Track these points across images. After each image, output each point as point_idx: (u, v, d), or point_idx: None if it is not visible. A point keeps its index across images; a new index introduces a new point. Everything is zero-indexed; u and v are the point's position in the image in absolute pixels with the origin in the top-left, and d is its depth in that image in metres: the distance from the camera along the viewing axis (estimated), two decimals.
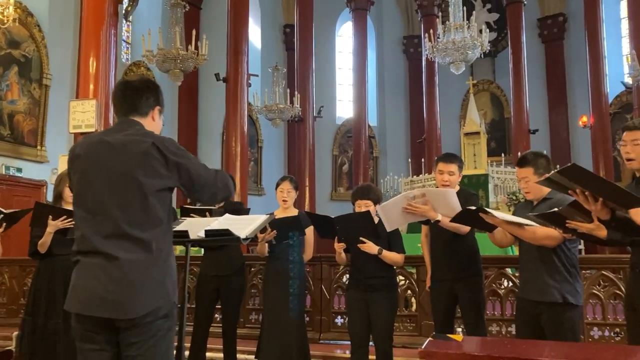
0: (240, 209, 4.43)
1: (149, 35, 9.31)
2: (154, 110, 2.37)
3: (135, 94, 2.33)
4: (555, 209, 2.65)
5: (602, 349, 2.56)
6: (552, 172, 2.30)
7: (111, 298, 2.06)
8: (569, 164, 2.29)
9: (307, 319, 5.43)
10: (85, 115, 6.91)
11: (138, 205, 2.13)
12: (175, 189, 2.29)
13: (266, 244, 4.21)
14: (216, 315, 4.93)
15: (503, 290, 5.10)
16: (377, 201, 3.88)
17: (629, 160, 2.71)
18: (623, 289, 4.75)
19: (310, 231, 4.33)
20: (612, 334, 4.82)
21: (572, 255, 3.11)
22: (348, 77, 17.21)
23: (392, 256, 3.78)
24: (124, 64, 12.58)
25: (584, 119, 14.28)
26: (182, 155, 2.22)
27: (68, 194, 4.18)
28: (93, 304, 2.09)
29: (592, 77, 13.80)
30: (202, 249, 4.68)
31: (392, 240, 3.82)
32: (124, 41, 13.14)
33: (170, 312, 2.18)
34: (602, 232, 2.48)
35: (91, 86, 7.02)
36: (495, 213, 3.01)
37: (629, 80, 11.92)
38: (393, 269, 3.94)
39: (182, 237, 2.80)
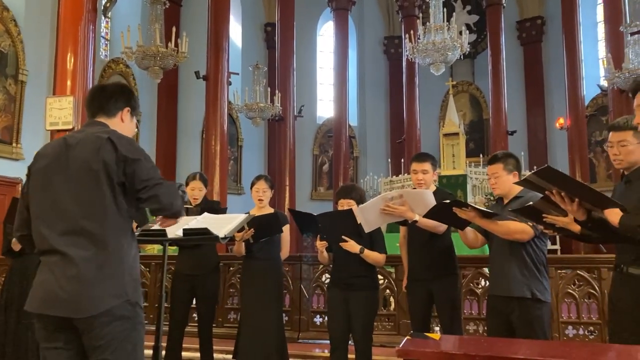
0: (217, 209, 4.41)
1: (128, 32, 9.21)
2: (123, 111, 2.37)
3: (103, 96, 2.36)
4: (531, 203, 2.71)
5: (577, 347, 2.60)
6: (529, 173, 2.34)
7: (64, 296, 2.04)
8: (544, 166, 2.34)
9: (286, 318, 5.43)
10: (62, 112, 6.80)
11: (94, 199, 2.11)
12: None
13: (243, 243, 4.20)
14: (194, 315, 4.90)
15: (480, 290, 5.15)
16: (360, 201, 3.90)
17: (616, 161, 2.74)
18: (597, 288, 4.83)
19: (287, 229, 4.33)
20: (586, 332, 4.90)
21: (541, 254, 3.22)
22: (329, 77, 17.22)
23: (374, 256, 3.79)
24: (102, 60, 12.43)
25: (561, 120, 14.49)
26: (134, 152, 2.18)
27: None
28: (49, 303, 2.07)
29: (569, 80, 13.99)
30: (177, 248, 4.65)
31: (374, 240, 3.84)
32: (103, 37, 12.97)
33: (131, 312, 2.13)
34: (576, 227, 2.54)
35: (68, 83, 6.91)
36: (471, 204, 3.11)
37: (604, 83, 12.11)
38: (375, 269, 3.96)
39: (160, 236, 2.78)
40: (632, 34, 10.11)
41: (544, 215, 2.60)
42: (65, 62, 6.94)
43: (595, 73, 14.82)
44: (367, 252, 3.75)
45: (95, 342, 2.06)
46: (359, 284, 3.79)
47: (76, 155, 2.16)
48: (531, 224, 2.99)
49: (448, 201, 3.18)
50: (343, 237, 3.72)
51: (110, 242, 2.11)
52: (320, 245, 3.87)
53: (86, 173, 2.12)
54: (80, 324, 2.07)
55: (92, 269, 2.06)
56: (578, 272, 4.96)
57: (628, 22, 10.52)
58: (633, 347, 2.26)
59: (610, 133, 2.75)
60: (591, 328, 4.90)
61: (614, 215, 2.25)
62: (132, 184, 2.16)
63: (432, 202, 3.48)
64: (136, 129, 2.48)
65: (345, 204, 3.88)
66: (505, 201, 3.34)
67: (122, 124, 2.36)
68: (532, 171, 2.40)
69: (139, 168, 2.15)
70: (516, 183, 2.90)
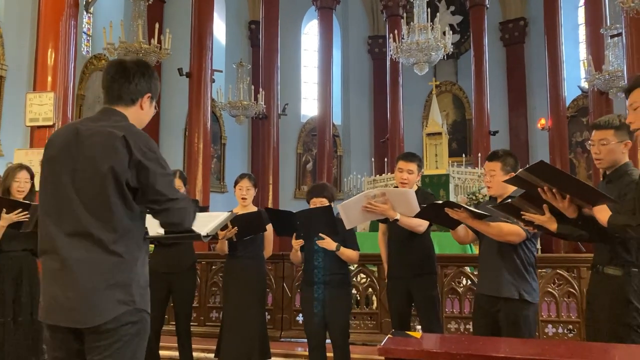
0: (198, 208, 4.38)
1: (111, 28, 9.11)
2: (144, 97, 2.19)
3: (124, 78, 2.14)
4: (509, 200, 2.73)
5: (556, 345, 2.64)
6: (520, 170, 2.35)
7: (70, 305, 1.94)
8: (538, 161, 2.34)
9: (269, 317, 5.42)
10: (42, 109, 6.71)
11: (103, 201, 1.98)
12: None
13: (226, 242, 4.19)
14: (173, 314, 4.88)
15: (462, 288, 5.19)
16: (331, 199, 3.93)
17: (597, 160, 2.78)
18: (577, 287, 4.90)
19: (270, 228, 4.33)
20: (565, 330, 4.97)
21: (530, 255, 3.21)
22: (313, 76, 17.21)
23: (348, 253, 3.82)
24: (84, 56, 12.28)
25: (542, 121, 14.65)
26: (150, 157, 2.03)
27: (15, 188, 4.08)
28: (55, 312, 1.97)
29: (550, 81, 14.15)
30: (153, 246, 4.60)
31: (347, 238, 3.87)
32: (85, 33, 12.81)
33: (138, 318, 2.03)
34: (553, 226, 2.57)
35: (49, 78, 6.82)
36: (464, 205, 3.09)
37: (585, 84, 12.26)
38: (347, 266, 3.99)
39: None
40: (612, 36, 10.24)
41: (522, 212, 2.63)
42: (46, 57, 6.85)
43: (576, 74, 15.00)
44: (342, 249, 3.78)
45: (96, 343, 1.97)
46: (333, 282, 3.82)
47: (86, 150, 2.01)
48: (523, 226, 2.97)
49: (440, 202, 3.18)
50: (320, 234, 3.74)
51: (121, 247, 1.99)
52: (296, 244, 3.87)
53: (94, 173, 1.99)
54: (86, 329, 1.97)
55: (100, 275, 1.95)
56: (558, 271, 5.03)
57: (608, 24, 10.65)
58: (610, 345, 2.30)
59: (593, 131, 2.79)
60: (570, 326, 4.96)
61: (602, 214, 2.27)
62: (144, 193, 2.05)
63: (414, 201, 3.50)
64: (155, 111, 2.27)
65: (318, 203, 3.91)
66: (499, 200, 3.29)
67: (141, 111, 2.19)
68: (523, 168, 2.40)
69: (153, 177, 2.03)
70: (506, 181, 2.89)
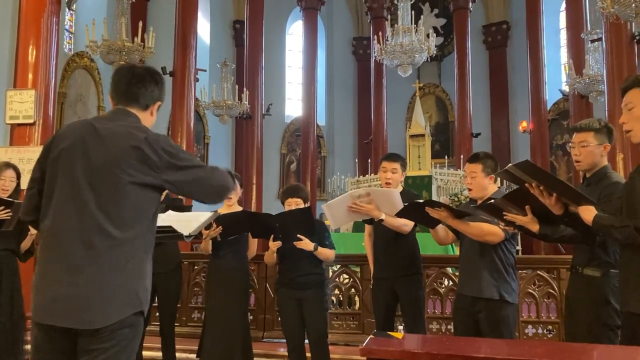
0: (181, 207, 4.37)
1: (93, 26, 9.02)
2: (155, 105, 2.21)
3: (140, 83, 2.15)
4: (492, 201, 2.76)
5: (535, 346, 2.67)
6: (509, 165, 2.38)
7: (77, 305, 1.88)
8: (524, 160, 2.38)
9: (251, 317, 5.41)
10: (23, 106, 6.63)
11: (116, 201, 1.94)
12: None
13: (210, 241, 4.17)
14: (157, 314, 4.84)
15: (443, 289, 5.23)
16: (306, 200, 3.96)
17: (577, 162, 2.83)
18: (556, 288, 4.96)
19: None
20: (545, 331, 5.02)
21: (510, 256, 3.25)
22: (297, 76, 17.21)
23: (326, 252, 3.86)
24: (66, 54, 12.12)
25: (524, 124, 14.81)
26: (177, 155, 2.05)
27: (0, 186, 4.03)
28: (56, 312, 1.89)
29: (532, 84, 14.30)
30: None
31: (321, 237, 3.90)
32: (67, 30, 12.66)
33: (137, 321, 2.00)
34: (535, 227, 2.60)
35: (30, 76, 6.73)
36: (444, 204, 3.13)
37: (566, 88, 12.42)
38: (323, 267, 4.02)
39: None
40: (592, 41, 10.39)
41: (504, 213, 2.66)
42: (26, 54, 6.77)
43: (558, 78, 15.18)
44: (320, 249, 3.81)
45: (92, 345, 1.90)
46: (310, 283, 3.84)
47: (105, 149, 1.97)
48: (502, 227, 3.01)
49: (421, 200, 3.21)
50: (298, 235, 3.75)
51: (131, 247, 1.96)
52: (274, 245, 3.87)
53: (112, 173, 1.94)
54: (85, 330, 1.91)
55: (110, 277, 1.91)
56: (538, 272, 5.08)
57: (589, 29, 10.80)
58: (588, 346, 2.34)
59: (574, 134, 2.84)
60: (550, 327, 5.02)
61: (588, 214, 2.31)
62: (182, 190, 2.11)
63: (399, 201, 3.52)
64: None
65: (293, 203, 3.93)
66: (479, 202, 3.30)
67: (151, 118, 2.20)
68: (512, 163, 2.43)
69: (185, 171, 2.06)
70: (496, 174, 2.93)
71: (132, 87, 2.15)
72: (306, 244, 3.75)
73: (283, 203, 4.02)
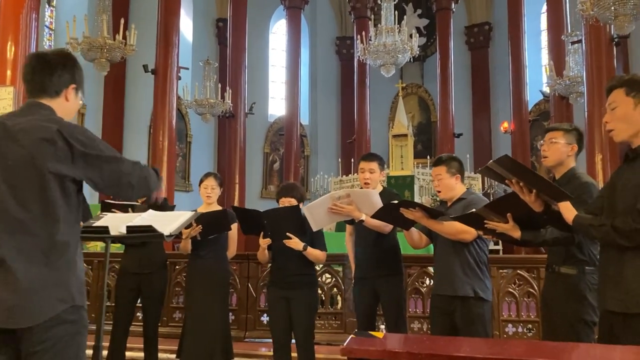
0: (164, 205, 4.33)
1: (74, 22, 8.90)
2: (68, 88, 2.12)
3: (46, 71, 2.08)
4: (473, 210, 2.79)
5: (514, 345, 2.70)
6: (490, 162, 2.40)
7: (7, 305, 1.85)
8: (503, 155, 2.39)
9: (233, 317, 5.39)
10: (2, 103, 6.54)
11: (40, 197, 1.91)
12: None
13: (190, 240, 4.15)
14: (138, 314, 4.80)
15: (425, 288, 5.25)
16: (300, 199, 3.95)
17: (544, 157, 2.93)
18: (536, 287, 5.01)
19: (235, 227, 4.30)
20: (525, 330, 5.07)
21: (482, 253, 3.33)
22: (281, 75, 17.17)
23: (315, 253, 3.83)
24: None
25: (505, 124, 14.95)
26: (92, 145, 1.99)
27: None
28: None
29: (513, 85, 14.45)
30: (124, 246, 4.54)
31: (314, 238, 3.87)
32: (47, 27, 12.51)
33: (76, 315, 1.96)
34: (517, 233, 2.63)
35: (8, 72, 6.65)
36: (419, 203, 3.18)
37: (546, 89, 12.56)
38: (314, 267, 4.00)
39: (103, 233, 2.70)
40: (573, 42, 10.51)
41: (485, 221, 2.68)
42: (5, 50, 6.68)
43: (539, 79, 15.34)
44: (309, 249, 3.78)
45: (33, 347, 1.88)
46: (299, 283, 3.82)
47: (18, 146, 1.92)
48: (481, 234, 3.06)
49: (396, 202, 3.24)
50: (288, 234, 3.73)
51: (56, 243, 1.92)
52: (264, 242, 3.86)
53: (29, 169, 1.90)
54: (20, 330, 1.88)
55: (37, 274, 1.87)
56: (518, 271, 5.13)
57: (569, 31, 10.93)
58: (566, 344, 2.36)
59: (546, 133, 2.94)
60: (530, 326, 5.07)
61: (569, 213, 2.33)
62: (97, 184, 2.02)
63: (378, 202, 3.54)
64: (81, 102, 2.22)
65: (286, 202, 3.91)
66: (449, 203, 3.44)
67: (67, 103, 2.12)
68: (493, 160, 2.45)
69: (102, 163, 2.00)
70: (478, 171, 2.97)
71: (37, 76, 2.09)
72: (295, 242, 3.74)
73: (277, 201, 4.01)
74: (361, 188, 3.96)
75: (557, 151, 2.87)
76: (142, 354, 4.39)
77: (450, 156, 3.54)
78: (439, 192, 3.49)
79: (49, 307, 1.89)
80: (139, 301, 4.42)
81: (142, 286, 4.31)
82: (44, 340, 1.89)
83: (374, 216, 3.42)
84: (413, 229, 3.46)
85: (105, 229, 2.69)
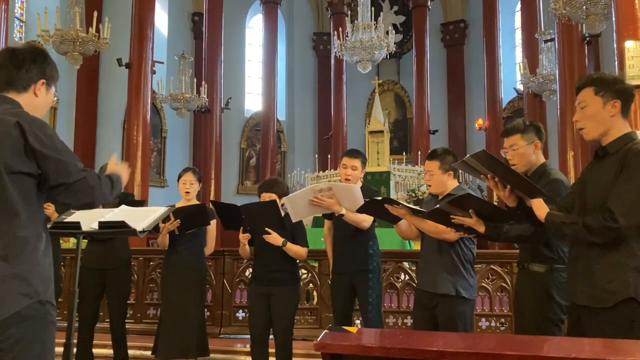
0: (134, 201, 4.29)
1: (45, 14, 8.73)
2: (37, 83, 2.09)
3: (13, 65, 2.05)
4: (437, 206, 2.82)
5: (487, 339, 2.73)
6: (467, 156, 2.41)
7: None
8: (480, 150, 2.42)
9: (208, 313, 5.36)
10: None
11: None
12: None
13: (167, 235, 4.11)
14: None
15: (400, 283, 5.29)
16: (282, 195, 3.91)
17: (513, 165, 2.91)
18: (509, 282, 5.09)
19: (213, 223, 4.28)
20: (497, 324, 5.15)
21: (468, 252, 3.32)
22: (257, 70, 17.07)
23: (296, 249, 3.81)
24: (16, 43, 11.72)
25: (480, 121, 15.10)
26: (46, 143, 1.95)
27: None
28: None
29: (488, 82, 14.60)
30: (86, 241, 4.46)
31: (296, 234, 3.86)
32: (17, 19, 12.23)
33: (41, 311, 1.93)
34: (481, 228, 2.67)
35: None
36: (403, 202, 3.16)
37: (520, 87, 12.72)
38: (296, 263, 3.99)
39: (74, 229, 2.67)
40: (546, 41, 10.67)
41: (451, 216, 2.71)
42: None
43: (513, 77, 15.52)
44: (289, 245, 3.77)
45: None
46: (281, 279, 3.81)
47: None
48: (454, 232, 3.06)
49: (380, 198, 3.25)
50: (266, 229, 3.72)
51: (15, 238, 1.90)
52: (243, 237, 3.84)
53: None
54: None
55: None
56: (492, 266, 5.20)
57: (542, 30, 11.08)
58: (536, 338, 2.41)
59: (504, 139, 2.93)
60: (502, 320, 5.15)
61: (541, 211, 2.36)
62: (45, 180, 1.97)
63: (360, 197, 3.55)
64: (55, 98, 2.17)
65: (267, 198, 3.89)
66: (440, 197, 3.39)
67: (36, 99, 2.09)
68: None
69: (52, 163, 1.95)
70: (453, 165, 2.98)
71: (3, 70, 2.06)
72: (274, 238, 3.73)
73: (259, 196, 3.99)
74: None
75: (523, 156, 2.88)
76: (111, 351, 4.36)
77: (445, 150, 3.44)
78: (430, 186, 3.44)
79: (12, 301, 1.86)
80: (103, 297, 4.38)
81: (107, 283, 4.26)
82: (8, 337, 1.85)
83: (360, 210, 3.42)
84: (402, 220, 3.42)
85: (76, 225, 2.66)
